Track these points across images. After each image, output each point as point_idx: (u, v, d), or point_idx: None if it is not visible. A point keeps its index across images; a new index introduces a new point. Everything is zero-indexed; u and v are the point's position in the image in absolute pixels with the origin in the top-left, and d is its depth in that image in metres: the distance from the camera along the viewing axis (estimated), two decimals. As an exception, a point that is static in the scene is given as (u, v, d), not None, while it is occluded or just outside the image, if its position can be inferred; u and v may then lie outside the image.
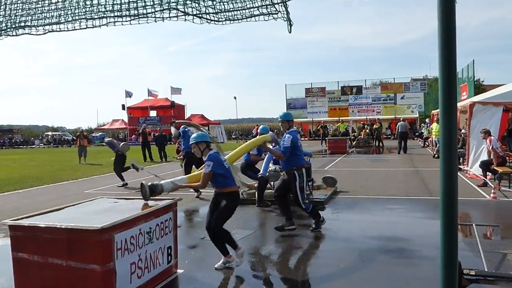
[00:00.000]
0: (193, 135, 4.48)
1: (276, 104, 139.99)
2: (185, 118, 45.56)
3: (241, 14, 3.81)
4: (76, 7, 3.81)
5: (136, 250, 3.52)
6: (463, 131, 12.63)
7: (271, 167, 7.56)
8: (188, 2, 3.61)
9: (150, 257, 3.74)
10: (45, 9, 3.96)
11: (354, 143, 23.93)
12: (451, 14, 1.90)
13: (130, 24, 3.68)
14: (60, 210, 3.93)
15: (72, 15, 3.83)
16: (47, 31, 3.98)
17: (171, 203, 4.13)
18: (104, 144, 11.77)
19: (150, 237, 3.74)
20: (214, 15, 3.81)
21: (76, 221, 3.39)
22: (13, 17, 4.08)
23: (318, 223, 5.76)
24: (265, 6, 3.73)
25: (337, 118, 35.29)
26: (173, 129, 9.73)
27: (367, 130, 24.85)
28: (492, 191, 7.74)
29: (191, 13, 3.66)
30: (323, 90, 39.37)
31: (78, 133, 19.75)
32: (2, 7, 4.09)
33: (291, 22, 4.09)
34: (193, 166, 8.70)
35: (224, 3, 3.76)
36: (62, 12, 3.87)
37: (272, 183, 7.59)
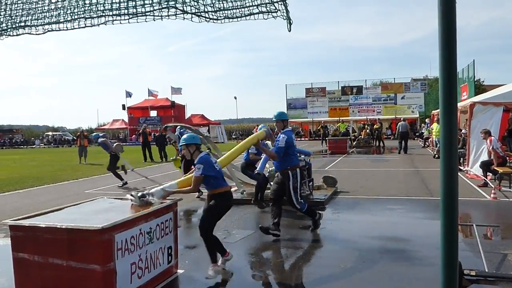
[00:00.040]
0: (183, 137, 4.38)
1: (276, 104, 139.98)
2: (185, 118, 45.61)
3: (240, 12, 3.81)
4: (76, 6, 3.82)
5: (136, 250, 3.52)
6: (463, 131, 12.61)
7: (270, 167, 7.56)
8: (187, 0, 3.61)
9: (150, 257, 3.74)
10: (44, 9, 3.97)
11: (354, 143, 23.93)
12: (452, 14, 1.90)
13: (129, 22, 3.68)
14: (61, 210, 3.93)
15: (71, 14, 3.84)
16: (46, 30, 3.99)
17: (171, 203, 4.12)
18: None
19: (150, 237, 3.74)
20: (213, 13, 3.81)
21: (76, 221, 3.38)
22: (13, 17, 4.09)
23: (316, 223, 5.76)
24: (264, 5, 3.73)
25: (338, 118, 35.27)
26: (171, 134, 9.75)
27: (367, 130, 24.84)
28: (493, 191, 7.73)
29: (190, 11, 3.66)
30: (324, 90, 39.39)
31: (79, 133, 19.74)
32: (2, 7, 4.10)
33: (291, 21, 4.07)
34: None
35: (223, 2, 3.76)
36: (62, 11, 3.87)
37: (272, 183, 7.58)
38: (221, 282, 4.07)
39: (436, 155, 15.25)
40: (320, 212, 5.98)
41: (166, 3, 3.58)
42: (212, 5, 3.76)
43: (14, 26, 4.09)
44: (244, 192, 8.14)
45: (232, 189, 8.78)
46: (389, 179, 10.61)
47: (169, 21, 3.67)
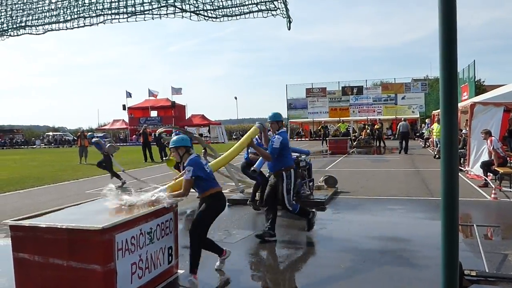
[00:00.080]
0: (172, 139, 4.24)
1: (276, 104, 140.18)
2: (186, 118, 45.63)
3: (239, 10, 3.80)
4: (75, 5, 3.82)
5: (137, 251, 3.52)
6: (464, 131, 12.62)
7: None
8: (186, -2, 3.61)
9: (151, 258, 3.74)
10: (44, 9, 3.98)
11: (355, 143, 23.94)
12: (452, 14, 1.90)
13: (127, 21, 3.68)
14: (61, 210, 3.93)
15: (70, 13, 3.84)
16: (46, 30, 4.00)
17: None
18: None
19: (151, 238, 3.74)
20: (212, 11, 3.81)
21: (77, 221, 3.38)
22: (14, 18, 4.10)
23: (310, 222, 5.71)
24: (264, 3, 3.73)
25: (338, 118, 35.27)
26: (165, 138, 9.77)
27: (368, 131, 24.85)
28: (493, 191, 7.73)
29: (188, 10, 3.66)
30: (324, 90, 39.39)
31: (79, 133, 19.76)
32: (3, 7, 4.11)
33: (290, 19, 4.04)
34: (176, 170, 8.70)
35: (222, 0, 3.76)
36: (61, 11, 3.88)
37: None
38: (222, 283, 4.07)
39: (437, 155, 15.25)
40: (313, 210, 5.88)
41: (165, 1, 3.58)
42: (211, 3, 3.75)
43: (14, 26, 4.10)
44: (244, 192, 8.12)
45: (232, 189, 8.82)
46: (389, 179, 10.61)
47: (169, 21, 3.72)
